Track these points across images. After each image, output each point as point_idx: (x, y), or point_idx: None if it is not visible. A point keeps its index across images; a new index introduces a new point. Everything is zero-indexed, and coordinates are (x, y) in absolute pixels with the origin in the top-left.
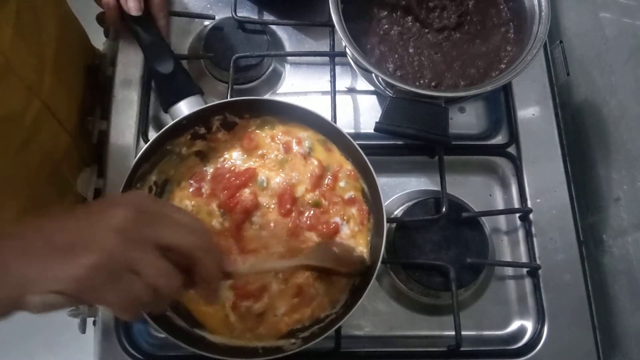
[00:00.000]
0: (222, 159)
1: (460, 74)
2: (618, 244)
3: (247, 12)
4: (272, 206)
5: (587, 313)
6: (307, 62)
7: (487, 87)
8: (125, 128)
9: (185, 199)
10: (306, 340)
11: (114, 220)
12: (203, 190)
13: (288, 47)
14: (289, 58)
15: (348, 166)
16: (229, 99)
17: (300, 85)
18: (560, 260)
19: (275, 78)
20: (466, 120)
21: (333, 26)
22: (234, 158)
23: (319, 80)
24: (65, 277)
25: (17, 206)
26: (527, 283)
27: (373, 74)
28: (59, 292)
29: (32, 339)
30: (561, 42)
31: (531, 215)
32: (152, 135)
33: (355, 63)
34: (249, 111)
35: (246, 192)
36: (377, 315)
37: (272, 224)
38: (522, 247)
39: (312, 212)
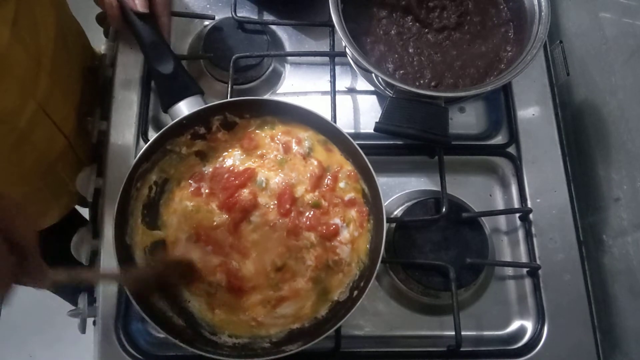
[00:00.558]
0: (221, 159)
1: (460, 74)
2: (618, 244)
3: (247, 12)
4: (272, 206)
5: (587, 313)
6: (307, 62)
7: (487, 87)
8: (125, 128)
9: (185, 198)
10: (305, 341)
11: None
12: (202, 189)
13: (288, 47)
14: (289, 58)
15: (348, 167)
16: (228, 99)
17: (300, 85)
18: (560, 260)
19: (275, 78)
20: (466, 120)
21: (333, 26)
22: (234, 158)
23: (319, 80)
24: None
25: None
26: (527, 283)
27: (373, 74)
28: None
29: (32, 338)
30: (561, 42)
31: (531, 215)
32: (152, 135)
33: (355, 63)
34: (249, 111)
35: (245, 192)
36: (377, 315)
37: (270, 224)
38: (522, 247)
39: (311, 212)
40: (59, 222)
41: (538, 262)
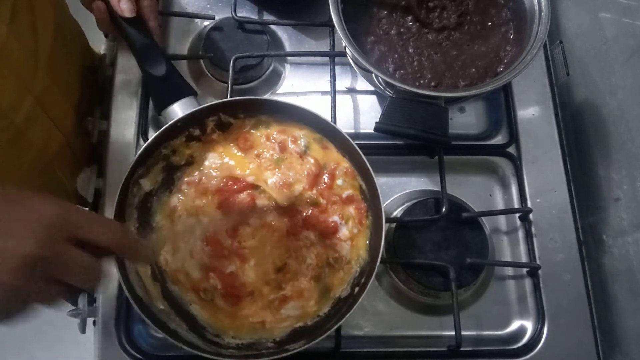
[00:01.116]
0: (218, 161)
1: (460, 74)
2: (618, 244)
3: (247, 12)
4: (270, 207)
5: (587, 313)
6: (307, 62)
7: (487, 87)
8: (125, 128)
9: (182, 199)
10: (307, 340)
11: (17, 257)
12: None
13: (288, 47)
14: (288, 58)
15: (345, 164)
16: (223, 99)
17: (300, 86)
18: (560, 260)
19: (275, 78)
20: (466, 120)
21: (333, 26)
22: (229, 159)
23: (319, 80)
24: None
25: None
26: (527, 283)
27: (373, 74)
28: None
29: (33, 338)
30: (561, 42)
31: (531, 215)
32: (152, 135)
33: (355, 63)
34: (244, 111)
35: (243, 195)
36: (377, 315)
37: (269, 224)
38: (522, 247)
39: (310, 211)
40: None
41: (538, 262)
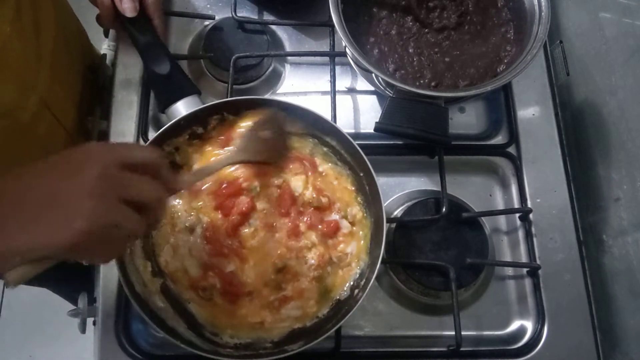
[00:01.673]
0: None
1: (460, 74)
2: (618, 244)
3: (247, 12)
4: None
5: (587, 313)
6: (307, 62)
7: (487, 87)
8: (125, 128)
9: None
10: (306, 341)
11: (88, 184)
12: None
13: (288, 47)
14: (289, 58)
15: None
16: (227, 99)
17: (300, 85)
18: (560, 260)
19: (275, 78)
20: (466, 120)
21: (333, 26)
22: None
23: (319, 80)
24: (56, 243)
25: None
26: (527, 283)
27: (373, 74)
28: (46, 257)
29: (32, 338)
30: (561, 42)
31: (531, 215)
32: (152, 135)
33: (355, 63)
34: (246, 111)
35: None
36: (377, 315)
37: (270, 224)
38: (522, 247)
39: (310, 211)
40: None
41: (538, 262)
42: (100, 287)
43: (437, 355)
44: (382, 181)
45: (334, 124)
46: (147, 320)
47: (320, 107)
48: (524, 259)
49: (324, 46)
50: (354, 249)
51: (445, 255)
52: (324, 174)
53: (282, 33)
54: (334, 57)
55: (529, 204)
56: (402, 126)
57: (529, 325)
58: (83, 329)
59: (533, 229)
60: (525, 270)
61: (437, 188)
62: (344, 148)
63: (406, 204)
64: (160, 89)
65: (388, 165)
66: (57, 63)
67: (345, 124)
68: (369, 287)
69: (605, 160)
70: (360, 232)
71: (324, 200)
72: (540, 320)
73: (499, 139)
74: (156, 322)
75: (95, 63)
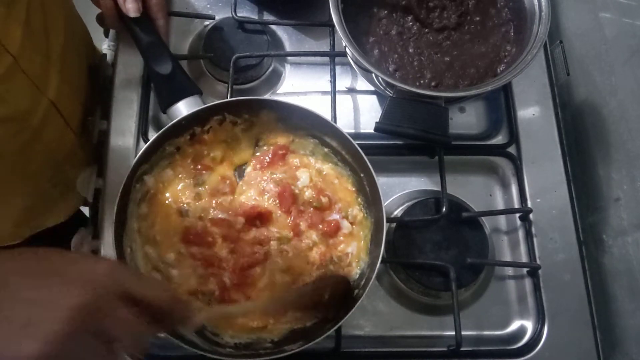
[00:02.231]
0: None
1: (460, 74)
2: (618, 244)
3: (247, 12)
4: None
5: (587, 313)
6: (307, 62)
7: (487, 87)
8: (125, 128)
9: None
10: (306, 340)
11: (69, 309)
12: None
13: (288, 47)
14: (289, 58)
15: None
16: (228, 99)
17: (300, 85)
18: (560, 260)
19: (275, 78)
20: (466, 120)
21: (333, 26)
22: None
23: (319, 80)
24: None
25: (20, 204)
26: (527, 283)
27: (373, 74)
28: None
29: None
30: (561, 42)
31: (531, 215)
32: (152, 135)
33: (355, 63)
34: (248, 111)
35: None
36: (377, 315)
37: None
38: (522, 247)
39: (311, 210)
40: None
41: (538, 262)
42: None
43: (437, 355)
44: (382, 181)
45: (334, 124)
46: None
47: (320, 107)
48: (524, 259)
49: (324, 46)
50: (354, 250)
51: (445, 255)
52: (324, 173)
53: (282, 33)
54: (334, 57)
55: (529, 204)
56: (402, 126)
57: (529, 325)
58: None
59: (533, 229)
60: (525, 270)
61: (437, 188)
62: (344, 148)
63: (406, 204)
64: (161, 89)
65: (388, 165)
66: (66, 65)
67: (345, 124)
68: (368, 287)
69: (605, 160)
70: (361, 233)
71: (324, 200)
72: (540, 320)
73: (499, 139)
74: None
75: (95, 63)
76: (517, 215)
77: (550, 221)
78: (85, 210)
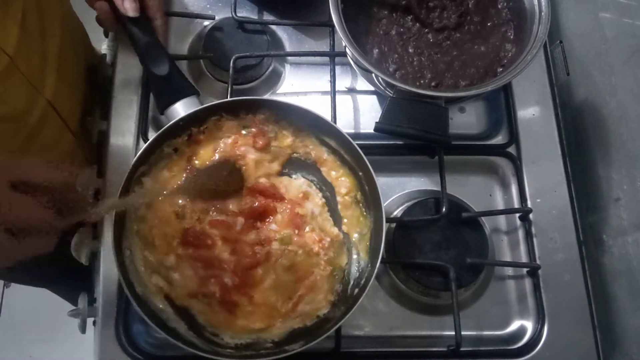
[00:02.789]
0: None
1: (460, 74)
2: (618, 244)
3: (247, 12)
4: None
5: (587, 313)
6: (307, 62)
7: (487, 87)
8: (125, 128)
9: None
10: (306, 340)
11: None
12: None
13: (288, 47)
14: (289, 58)
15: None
16: (225, 99)
17: (300, 85)
18: (560, 260)
19: (275, 78)
20: (466, 120)
21: (333, 26)
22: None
23: (319, 80)
24: None
25: None
26: (527, 283)
27: (373, 74)
28: None
29: (31, 338)
30: (561, 42)
31: (531, 215)
32: (152, 135)
33: (355, 63)
34: (246, 111)
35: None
36: (377, 315)
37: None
38: (522, 247)
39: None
40: None
41: (538, 262)
42: (100, 287)
43: (437, 355)
44: (382, 181)
45: (333, 124)
46: (148, 321)
47: (320, 107)
48: (524, 259)
49: (324, 46)
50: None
51: (445, 255)
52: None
53: (282, 33)
54: (334, 57)
55: (529, 204)
56: (402, 126)
57: (529, 325)
58: (83, 329)
59: (533, 229)
60: (525, 270)
61: (437, 188)
62: (343, 148)
63: (406, 204)
64: (159, 90)
65: (388, 165)
66: (63, 65)
67: (345, 124)
68: (368, 286)
69: (605, 160)
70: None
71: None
72: (540, 320)
73: (499, 139)
74: (157, 323)
75: (95, 63)
76: (517, 215)
77: (550, 221)
78: None
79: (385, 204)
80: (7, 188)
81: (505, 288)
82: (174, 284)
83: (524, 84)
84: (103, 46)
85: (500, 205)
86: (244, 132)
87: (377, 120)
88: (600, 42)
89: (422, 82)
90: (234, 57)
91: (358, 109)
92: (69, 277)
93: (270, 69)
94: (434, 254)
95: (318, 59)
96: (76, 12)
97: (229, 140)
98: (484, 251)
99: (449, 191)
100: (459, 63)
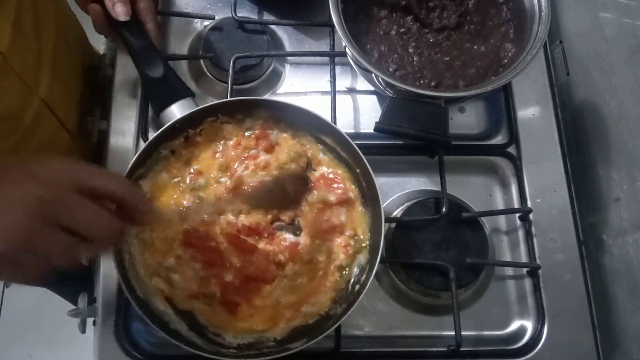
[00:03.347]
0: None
1: (460, 74)
2: (618, 244)
3: (247, 12)
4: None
5: (587, 313)
6: (307, 62)
7: (487, 87)
8: (125, 128)
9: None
10: (309, 338)
11: (25, 199)
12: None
13: (288, 47)
14: (289, 58)
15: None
16: (222, 100)
17: (300, 85)
18: (560, 260)
19: (275, 78)
20: (466, 120)
21: (333, 26)
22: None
23: (319, 80)
24: None
25: None
26: (527, 283)
27: (373, 74)
28: None
29: (32, 338)
30: (561, 42)
31: (531, 215)
32: (152, 135)
33: (355, 63)
34: (242, 112)
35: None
36: (377, 315)
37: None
38: (522, 247)
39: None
40: None
41: (538, 262)
42: (100, 287)
43: (437, 355)
44: (382, 181)
45: (333, 124)
46: (149, 323)
47: (320, 107)
48: (524, 259)
49: (324, 46)
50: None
51: (445, 255)
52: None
53: (282, 33)
54: (334, 57)
55: (529, 204)
56: (402, 126)
57: (529, 325)
58: (83, 329)
59: (533, 229)
60: (525, 270)
61: (437, 188)
62: (342, 148)
63: (406, 204)
64: (154, 92)
65: (388, 165)
66: (58, 64)
67: (345, 124)
68: (369, 283)
69: (605, 160)
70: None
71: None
72: (540, 320)
73: (499, 139)
74: (158, 324)
75: (94, 63)
76: (517, 215)
77: (550, 221)
78: None
79: (385, 204)
80: (74, 192)
81: (505, 288)
82: (174, 285)
83: (524, 84)
84: (102, 46)
85: (500, 205)
86: (247, 133)
87: (377, 120)
88: (600, 42)
89: (422, 82)
90: (234, 57)
91: (358, 109)
92: (69, 277)
93: (270, 69)
94: (434, 254)
95: (318, 59)
96: (75, 12)
97: (231, 142)
98: (484, 251)
99: (449, 191)
100: (458, 63)
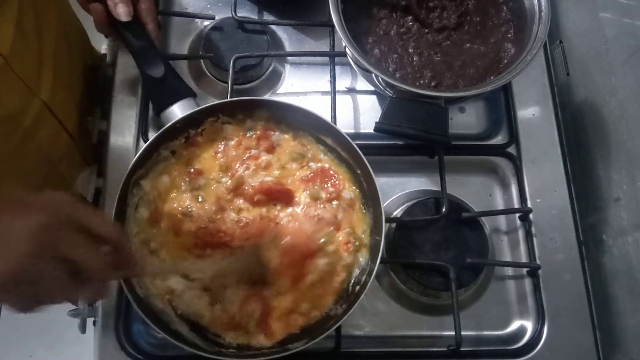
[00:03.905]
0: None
1: (460, 74)
2: (618, 244)
3: (247, 12)
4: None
5: (587, 313)
6: (307, 62)
7: (487, 87)
8: (125, 128)
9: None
10: (309, 338)
11: (31, 228)
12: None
13: (288, 47)
14: (289, 58)
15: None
16: (222, 100)
17: (300, 86)
18: (560, 260)
19: (275, 78)
20: (466, 120)
21: (333, 26)
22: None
23: (319, 80)
24: None
25: None
26: (527, 283)
27: (373, 74)
28: None
29: (32, 338)
30: (561, 42)
31: (531, 215)
32: (153, 135)
33: (355, 63)
34: (243, 112)
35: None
36: (377, 315)
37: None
38: (522, 247)
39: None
40: None
41: (538, 262)
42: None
43: (437, 355)
44: (382, 181)
45: (333, 124)
46: (150, 324)
47: (320, 107)
48: (524, 259)
49: (324, 46)
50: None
51: (445, 255)
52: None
53: (282, 33)
54: (334, 57)
55: (529, 204)
56: (402, 126)
57: (529, 325)
58: (83, 329)
59: (533, 229)
60: (525, 270)
61: (437, 188)
62: (343, 149)
63: (406, 204)
64: (155, 92)
65: (388, 165)
66: (59, 65)
67: (345, 124)
68: (369, 283)
69: (605, 160)
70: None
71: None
72: (540, 320)
73: (499, 139)
74: (159, 325)
75: (95, 63)
76: (517, 215)
77: (550, 221)
78: None
79: (385, 204)
80: (73, 230)
81: (505, 288)
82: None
83: (524, 84)
84: (103, 46)
85: (500, 205)
86: (248, 134)
87: (377, 120)
88: (600, 42)
89: (421, 82)
90: (234, 57)
91: (358, 109)
92: None
93: (270, 69)
94: (434, 254)
95: (318, 59)
96: (76, 11)
97: (232, 142)
98: (484, 251)
99: (449, 191)
100: (458, 63)
